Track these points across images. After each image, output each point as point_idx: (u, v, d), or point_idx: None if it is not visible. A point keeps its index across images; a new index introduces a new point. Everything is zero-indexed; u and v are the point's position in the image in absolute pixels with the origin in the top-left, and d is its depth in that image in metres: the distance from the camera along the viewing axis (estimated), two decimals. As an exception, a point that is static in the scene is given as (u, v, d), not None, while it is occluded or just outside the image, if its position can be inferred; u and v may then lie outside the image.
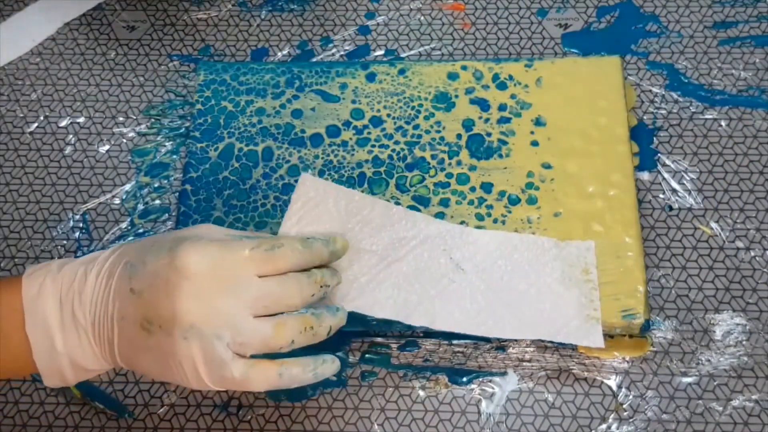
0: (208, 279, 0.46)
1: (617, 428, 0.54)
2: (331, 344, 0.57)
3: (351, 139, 0.62)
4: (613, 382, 0.55)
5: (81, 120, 0.67)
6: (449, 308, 0.55)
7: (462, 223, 0.58)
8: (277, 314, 0.47)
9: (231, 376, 0.46)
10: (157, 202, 0.63)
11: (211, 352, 0.45)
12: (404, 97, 0.63)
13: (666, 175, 0.62)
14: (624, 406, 0.55)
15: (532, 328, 0.54)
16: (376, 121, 0.62)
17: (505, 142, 0.61)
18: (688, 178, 0.61)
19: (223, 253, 0.46)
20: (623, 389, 0.55)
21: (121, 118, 0.67)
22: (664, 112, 0.64)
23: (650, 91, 0.65)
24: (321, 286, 0.49)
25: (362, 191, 0.60)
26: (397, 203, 0.59)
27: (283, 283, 0.47)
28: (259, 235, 0.51)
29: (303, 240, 0.50)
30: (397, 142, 0.62)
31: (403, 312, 0.54)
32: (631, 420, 0.54)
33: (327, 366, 0.49)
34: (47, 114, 0.68)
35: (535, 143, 0.61)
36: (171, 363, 0.46)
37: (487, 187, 0.59)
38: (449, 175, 0.60)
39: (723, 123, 0.63)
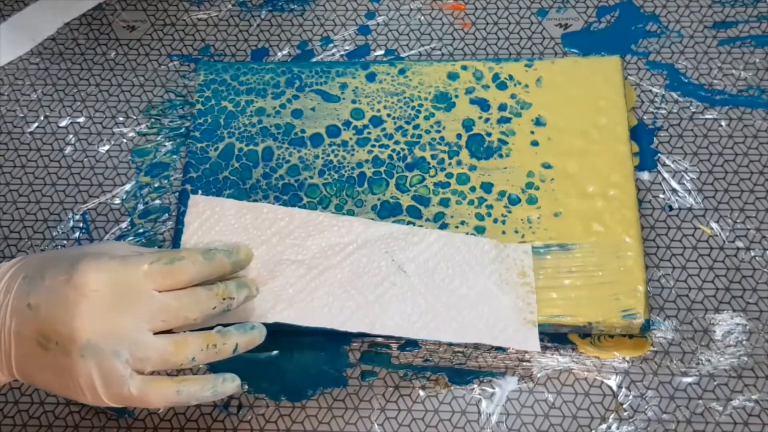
0: (106, 296, 0.46)
1: (617, 428, 0.54)
2: (331, 344, 0.57)
3: (351, 139, 0.62)
4: (613, 382, 0.55)
5: (81, 120, 0.67)
6: (389, 312, 0.54)
7: (462, 223, 0.58)
8: (181, 331, 0.48)
9: (128, 392, 0.46)
10: (157, 202, 0.63)
11: (108, 368, 0.45)
12: (404, 97, 0.63)
13: (666, 175, 0.62)
14: (624, 406, 0.55)
15: (471, 332, 0.54)
16: (376, 121, 0.62)
17: (505, 142, 0.61)
18: (688, 178, 0.61)
19: (122, 269, 0.46)
20: (623, 389, 0.55)
21: (121, 118, 0.67)
22: (664, 112, 0.64)
23: (650, 91, 0.65)
24: (224, 299, 0.49)
25: (362, 191, 0.60)
26: (397, 203, 0.59)
27: (179, 297, 0.47)
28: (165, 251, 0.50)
29: (204, 252, 0.49)
30: (397, 142, 0.62)
31: (338, 319, 0.54)
32: (631, 420, 0.54)
33: (227, 384, 0.49)
34: (47, 114, 0.68)
35: (535, 143, 0.61)
36: (68, 380, 0.46)
37: (487, 187, 0.59)
38: (449, 175, 0.60)
39: (723, 123, 0.63)
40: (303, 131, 0.63)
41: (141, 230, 0.62)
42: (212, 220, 0.56)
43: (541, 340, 0.57)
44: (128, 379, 0.45)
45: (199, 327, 0.49)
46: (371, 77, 0.64)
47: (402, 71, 0.64)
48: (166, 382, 0.47)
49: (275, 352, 0.57)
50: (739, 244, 0.59)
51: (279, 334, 0.56)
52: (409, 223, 0.58)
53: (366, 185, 0.60)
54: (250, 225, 0.56)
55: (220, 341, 0.48)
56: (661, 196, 0.61)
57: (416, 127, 0.62)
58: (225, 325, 0.50)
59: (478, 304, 0.55)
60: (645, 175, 0.62)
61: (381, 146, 0.62)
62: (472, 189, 0.59)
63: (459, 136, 0.61)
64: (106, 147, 0.66)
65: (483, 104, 0.62)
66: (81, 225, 0.63)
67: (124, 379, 0.45)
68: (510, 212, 0.58)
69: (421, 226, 0.58)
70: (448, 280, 0.55)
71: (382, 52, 0.68)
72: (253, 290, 0.52)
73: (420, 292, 0.55)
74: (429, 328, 0.54)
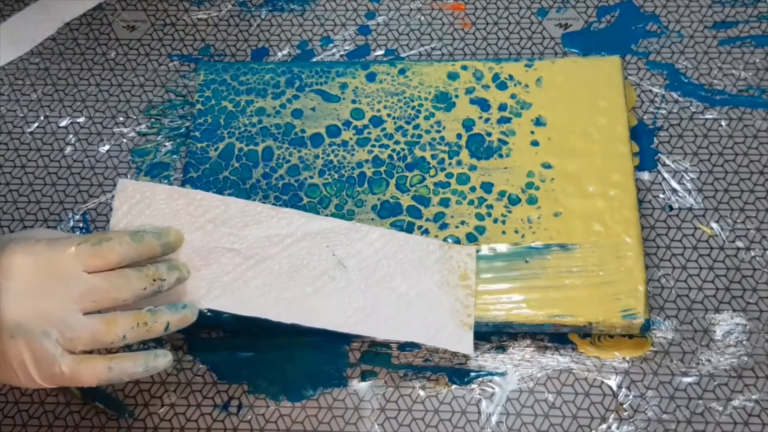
0: (33, 277, 0.46)
1: (617, 428, 0.54)
2: (331, 344, 0.57)
3: (351, 139, 0.62)
4: (613, 382, 0.55)
5: (81, 120, 0.67)
6: (326, 306, 0.54)
7: (462, 223, 0.58)
8: (110, 310, 0.48)
9: (60, 371, 0.46)
10: (157, 202, 0.63)
11: (38, 349, 0.46)
12: (404, 97, 0.63)
13: (666, 175, 0.62)
14: (624, 406, 0.55)
15: (407, 330, 0.54)
16: (377, 121, 0.63)
17: (505, 142, 0.61)
18: (688, 178, 0.61)
19: (49, 252, 0.47)
20: (623, 389, 0.55)
21: (121, 118, 0.67)
22: (664, 112, 0.64)
23: (650, 91, 0.65)
24: (155, 280, 0.49)
25: (362, 191, 0.60)
26: (397, 203, 0.59)
27: (109, 278, 0.48)
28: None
29: (133, 233, 0.50)
30: (397, 142, 0.62)
31: (273, 310, 0.54)
32: (631, 420, 0.54)
33: (159, 360, 0.49)
34: (47, 114, 0.68)
35: (535, 143, 0.61)
36: (1, 363, 0.46)
37: (487, 187, 0.60)
38: (449, 175, 0.60)
39: (723, 123, 0.63)
40: (303, 131, 0.63)
41: (141, 230, 0.62)
42: (142, 204, 0.55)
43: (541, 339, 0.57)
44: (59, 358, 0.46)
45: (130, 309, 0.49)
46: (371, 77, 0.64)
47: (402, 71, 0.64)
48: (98, 359, 0.47)
49: (275, 353, 0.57)
50: (739, 244, 0.59)
51: (279, 334, 0.56)
52: (409, 223, 0.58)
53: (366, 185, 0.60)
54: (182, 211, 0.55)
55: (150, 319, 0.49)
56: (661, 196, 0.61)
57: (416, 127, 0.62)
58: None
59: (417, 304, 0.55)
60: (645, 175, 0.62)
61: (381, 146, 0.62)
62: (472, 189, 0.59)
63: (459, 136, 0.61)
64: (106, 147, 0.66)
65: (483, 104, 0.62)
66: (81, 225, 0.63)
67: (54, 359, 0.46)
68: (510, 212, 0.58)
69: (421, 226, 0.58)
70: (388, 278, 0.55)
71: (382, 52, 0.68)
72: (184, 273, 0.52)
73: (359, 288, 0.55)
74: (365, 323, 0.54)
